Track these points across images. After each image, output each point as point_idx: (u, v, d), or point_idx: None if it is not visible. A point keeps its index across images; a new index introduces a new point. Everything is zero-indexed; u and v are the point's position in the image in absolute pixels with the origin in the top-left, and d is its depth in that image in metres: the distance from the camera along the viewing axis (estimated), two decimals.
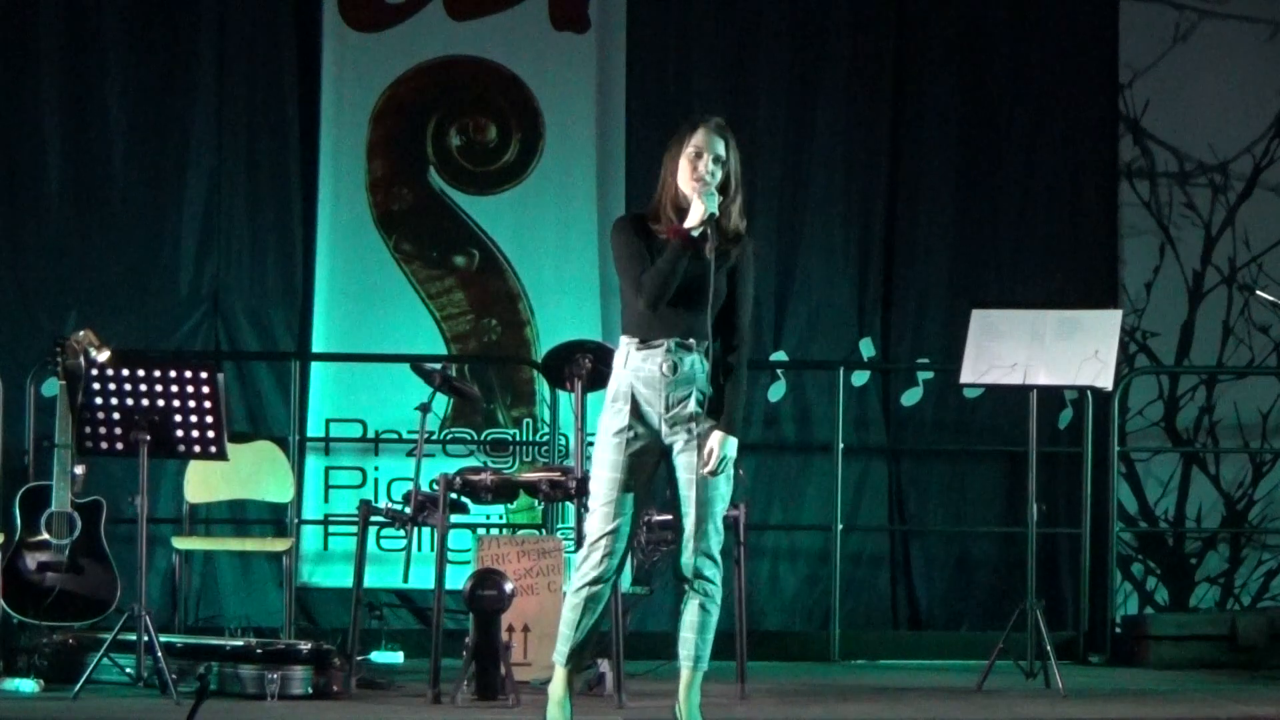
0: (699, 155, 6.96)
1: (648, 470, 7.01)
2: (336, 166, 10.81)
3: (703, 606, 7.01)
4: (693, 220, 6.92)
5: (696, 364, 6.98)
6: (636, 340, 6.99)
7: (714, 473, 6.94)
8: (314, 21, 10.82)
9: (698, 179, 6.94)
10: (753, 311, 6.97)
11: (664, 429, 6.98)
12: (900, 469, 11.12)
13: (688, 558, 6.98)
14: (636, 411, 6.96)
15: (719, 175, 6.96)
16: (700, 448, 6.96)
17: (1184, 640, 10.44)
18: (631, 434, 6.96)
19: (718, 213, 6.91)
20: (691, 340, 6.96)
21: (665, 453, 7.01)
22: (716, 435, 6.95)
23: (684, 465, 6.98)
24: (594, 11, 10.92)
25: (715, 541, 7.00)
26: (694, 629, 7.01)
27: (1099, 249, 11.22)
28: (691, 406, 6.97)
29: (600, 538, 6.96)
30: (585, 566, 6.99)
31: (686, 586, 7.00)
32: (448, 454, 10.65)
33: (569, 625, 7.02)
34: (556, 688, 7.09)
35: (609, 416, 7.00)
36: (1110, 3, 11.23)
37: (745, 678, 8.69)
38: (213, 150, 10.74)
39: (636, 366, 6.98)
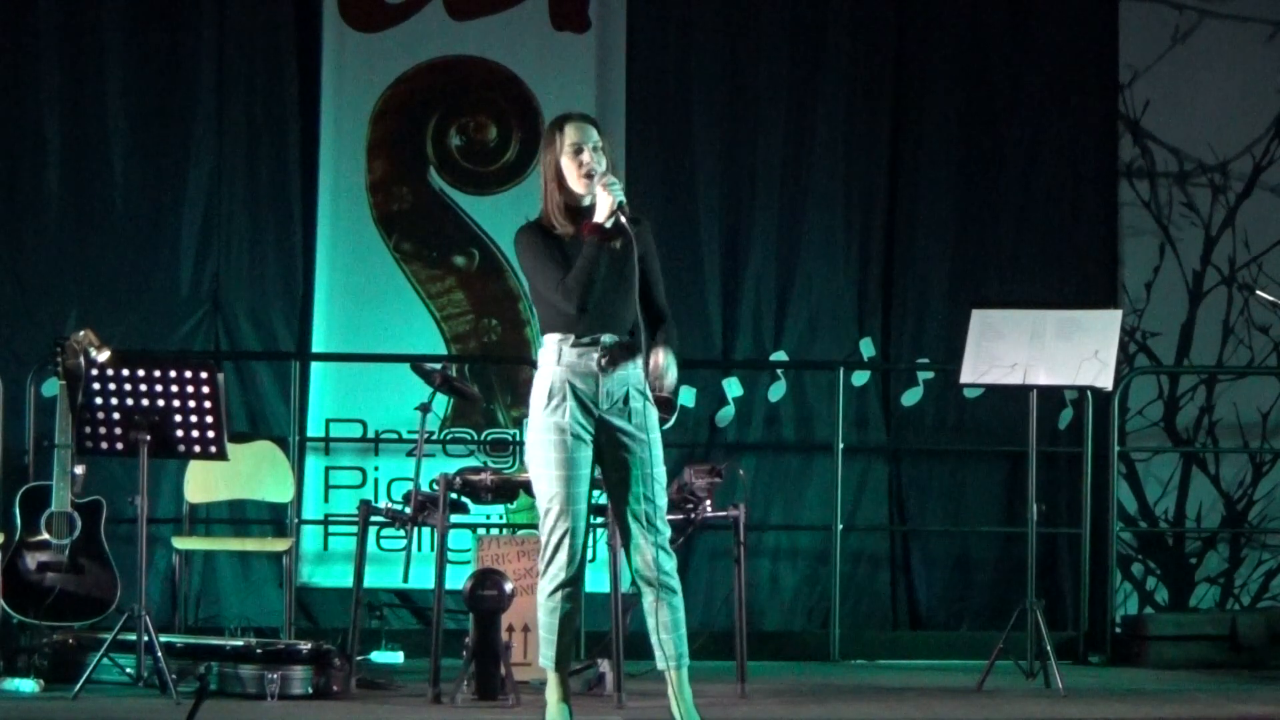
0: (579, 150, 6.99)
1: (590, 466, 7.00)
2: (336, 166, 10.81)
3: (670, 604, 6.99)
4: (602, 213, 6.93)
5: (629, 360, 6.98)
6: (571, 336, 6.97)
7: (663, 389, 6.89)
8: (314, 21, 10.81)
9: (586, 173, 6.95)
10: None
11: (602, 425, 6.96)
12: (900, 469, 11.12)
13: (646, 557, 6.96)
14: (577, 407, 6.95)
15: (604, 162, 6.98)
16: (640, 444, 6.94)
17: (1184, 640, 10.44)
18: (573, 431, 6.95)
19: (624, 199, 6.91)
20: (624, 335, 6.97)
21: (603, 451, 7.00)
22: (660, 350, 6.92)
23: (629, 463, 6.97)
24: (594, 11, 10.92)
25: (666, 534, 7.00)
26: (669, 629, 6.99)
27: (1099, 249, 11.22)
28: (630, 403, 6.97)
29: (560, 540, 6.95)
30: (552, 569, 6.98)
31: (646, 586, 6.98)
32: (448, 454, 10.64)
33: (549, 630, 7.03)
34: (551, 692, 7.12)
35: (546, 415, 6.97)
36: (1110, 3, 11.23)
37: (745, 678, 8.68)
38: (213, 150, 10.73)
39: (571, 362, 6.97)
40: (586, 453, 6.97)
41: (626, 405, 6.97)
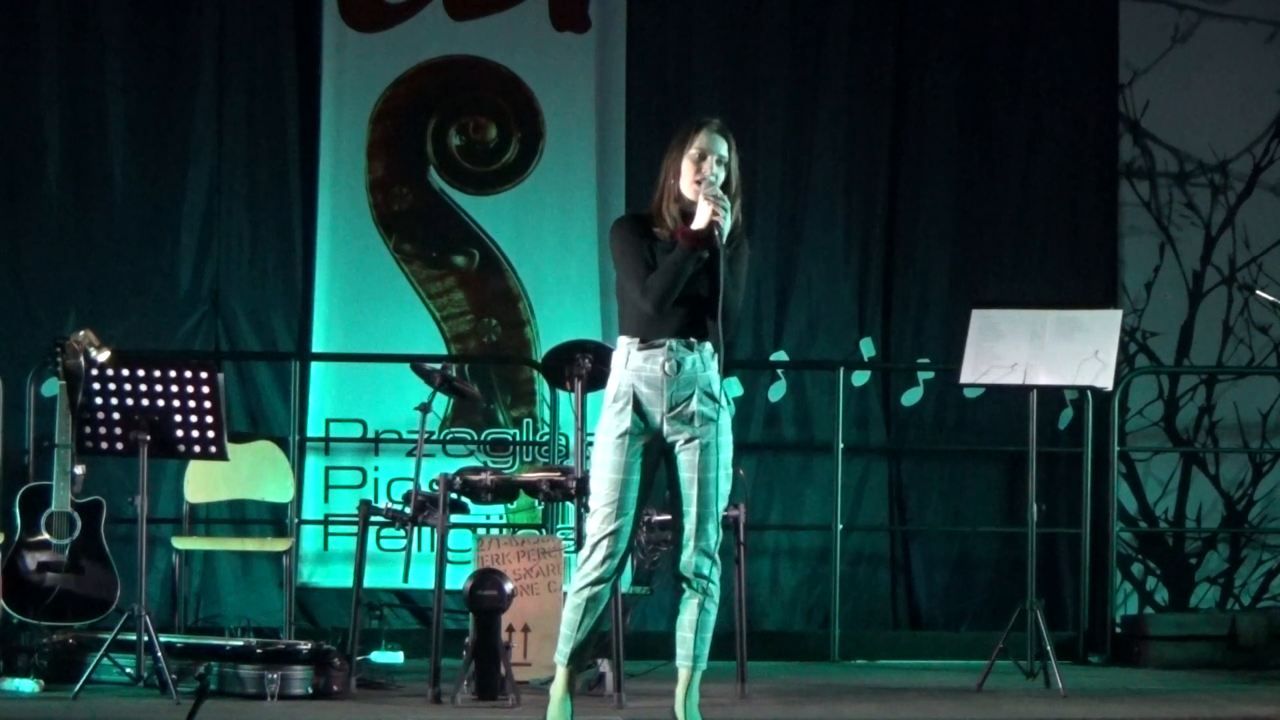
0: (703, 157, 6.98)
1: (649, 471, 7.02)
2: (336, 166, 10.80)
3: (702, 606, 7.01)
4: (700, 222, 6.93)
5: (698, 364, 6.99)
6: (638, 340, 7.00)
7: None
8: (314, 21, 10.82)
9: (700, 179, 6.95)
10: (749, 307, 6.88)
11: (665, 429, 6.98)
12: (900, 469, 11.12)
13: (688, 557, 6.99)
14: (638, 411, 6.97)
15: (722, 176, 6.98)
16: (701, 448, 6.96)
17: (1184, 640, 10.44)
18: (633, 434, 6.97)
19: (726, 226, 6.90)
20: (693, 340, 6.98)
21: (666, 452, 7.02)
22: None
23: (685, 465, 6.99)
24: (594, 11, 10.92)
25: (714, 540, 7.01)
26: (693, 628, 7.01)
27: (1099, 249, 11.22)
28: (694, 406, 6.97)
29: (601, 539, 6.97)
30: (586, 567, 7.00)
31: (685, 586, 7.01)
32: (448, 454, 10.65)
33: (570, 626, 7.03)
34: (557, 688, 7.10)
35: (610, 417, 7.00)
36: (1110, 3, 11.23)
37: (745, 678, 8.68)
38: (213, 150, 10.73)
39: (638, 366, 6.98)
40: (644, 458, 6.98)
41: (689, 409, 6.97)
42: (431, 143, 10.89)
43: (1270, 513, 11.20)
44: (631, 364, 7.00)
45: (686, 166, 6.99)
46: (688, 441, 6.98)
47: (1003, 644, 9.15)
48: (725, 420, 7.06)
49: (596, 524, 6.99)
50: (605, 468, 6.98)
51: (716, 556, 7.02)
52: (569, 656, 7.06)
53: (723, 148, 7.00)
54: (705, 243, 6.91)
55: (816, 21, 11.09)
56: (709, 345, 7.00)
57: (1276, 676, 9.89)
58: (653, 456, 7.01)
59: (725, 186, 6.99)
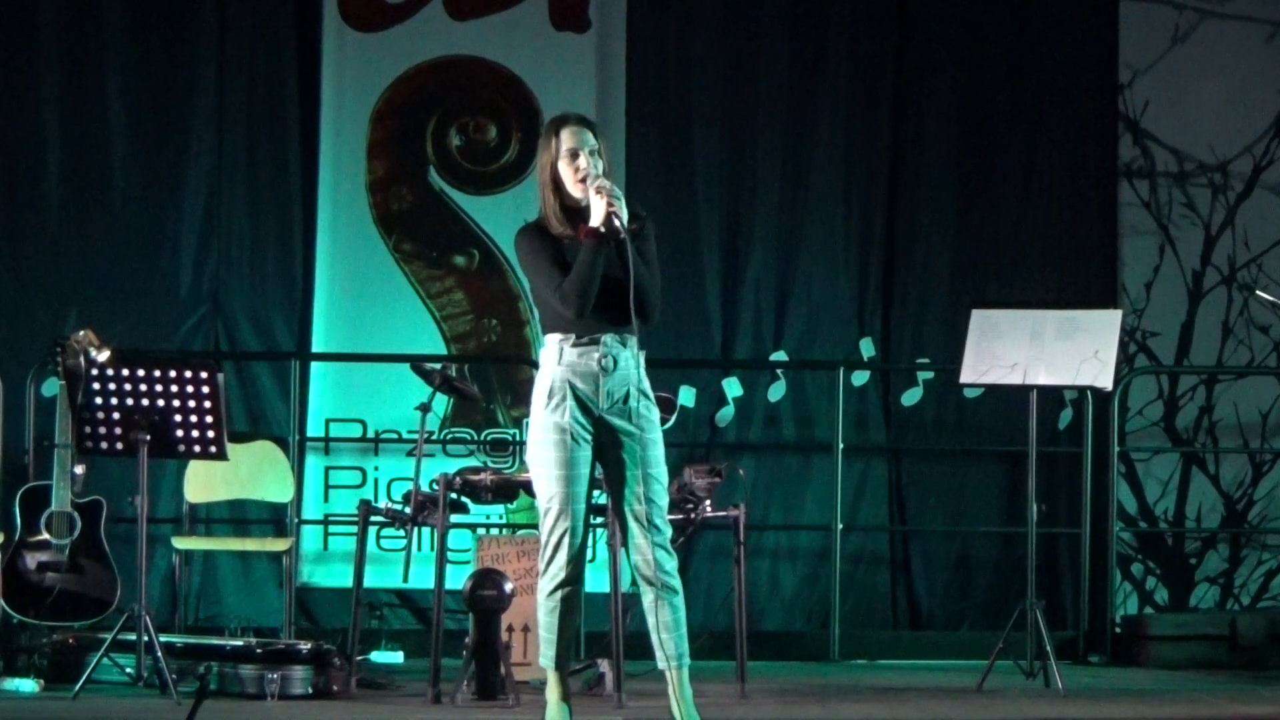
0: (574, 155, 7.00)
1: (590, 465, 7.02)
2: (336, 166, 10.81)
3: (671, 604, 7.00)
4: (597, 218, 6.94)
5: (630, 360, 7.00)
6: (572, 336, 6.99)
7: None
8: (314, 21, 10.82)
9: (583, 177, 6.96)
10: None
11: (601, 424, 6.97)
12: (900, 469, 11.12)
13: (646, 556, 6.97)
14: (577, 406, 6.96)
15: (600, 164, 6.99)
16: (641, 443, 6.95)
17: (1184, 640, 10.44)
18: (573, 430, 6.96)
19: (622, 201, 6.91)
20: (625, 336, 6.99)
21: (604, 450, 7.01)
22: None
23: (630, 461, 6.98)
24: (594, 11, 10.93)
25: (667, 533, 7.01)
26: (669, 628, 6.99)
27: (1099, 249, 11.22)
28: (630, 403, 6.98)
29: (560, 540, 6.97)
30: (553, 569, 7.00)
31: (648, 586, 6.98)
32: (448, 454, 10.65)
33: (549, 630, 7.04)
34: (551, 692, 7.12)
35: (546, 414, 6.99)
36: (1110, 3, 11.23)
37: (745, 678, 8.68)
38: (213, 150, 10.74)
39: (572, 361, 6.98)
40: (586, 453, 6.99)
41: (627, 404, 6.99)
42: (431, 142, 10.89)
43: (1270, 513, 11.20)
44: (565, 359, 6.99)
45: (564, 169, 7.02)
46: (627, 438, 6.97)
47: (1003, 644, 9.15)
48: (656, 416, 7.07)
49: (550, 524, 6.98)
50: (549, 465, 6.98)
51: (670, 547, 7.01)
52: (555, 660, 7.07)
53: (590, 138, 7.03)
54: (609, 236, 6.92)
55: (816, 21, 11.09)
56: (636, 341, 7.01)
57: (1276, 676, 9.90)
58: (592, 451, 7.01)
59: (606, 172, 7.01)
